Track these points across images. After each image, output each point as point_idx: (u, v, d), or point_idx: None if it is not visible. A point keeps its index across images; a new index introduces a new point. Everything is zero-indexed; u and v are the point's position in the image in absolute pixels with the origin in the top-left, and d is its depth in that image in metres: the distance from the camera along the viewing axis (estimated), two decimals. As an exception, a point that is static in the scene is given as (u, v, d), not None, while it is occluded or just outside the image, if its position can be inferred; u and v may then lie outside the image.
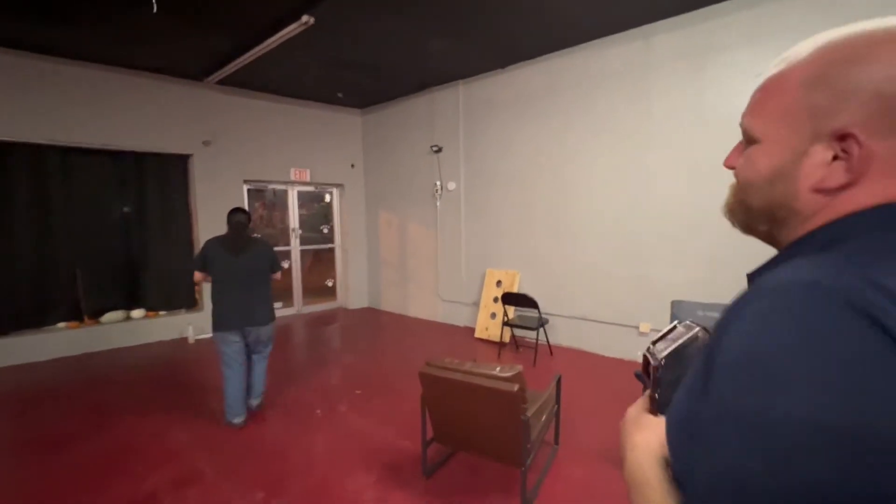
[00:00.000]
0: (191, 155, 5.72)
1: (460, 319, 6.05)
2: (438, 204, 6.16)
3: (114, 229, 5.38)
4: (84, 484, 2.51)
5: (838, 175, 0.44)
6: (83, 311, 5.21)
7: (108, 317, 5.33)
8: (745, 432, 0.35)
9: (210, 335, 5.53)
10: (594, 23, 4.06)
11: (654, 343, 0.62)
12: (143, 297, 5.59)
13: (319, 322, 6.53)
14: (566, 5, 3.69)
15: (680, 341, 0.59)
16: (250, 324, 3.16)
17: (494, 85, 5.39)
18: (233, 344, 3.14)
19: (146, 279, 5.59)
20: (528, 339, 5.02)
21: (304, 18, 3.73)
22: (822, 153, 0.44)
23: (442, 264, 6.22)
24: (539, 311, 4.49)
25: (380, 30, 4.17)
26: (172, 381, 4.21)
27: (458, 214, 5.96)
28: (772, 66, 0.50)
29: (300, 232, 6.99)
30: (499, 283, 5.47)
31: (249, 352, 3.29)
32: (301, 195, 6.98)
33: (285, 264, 6.75)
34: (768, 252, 0.53)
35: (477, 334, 5.49)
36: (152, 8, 2.64)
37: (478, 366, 2.26)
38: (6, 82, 4.50)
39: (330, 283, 7.51)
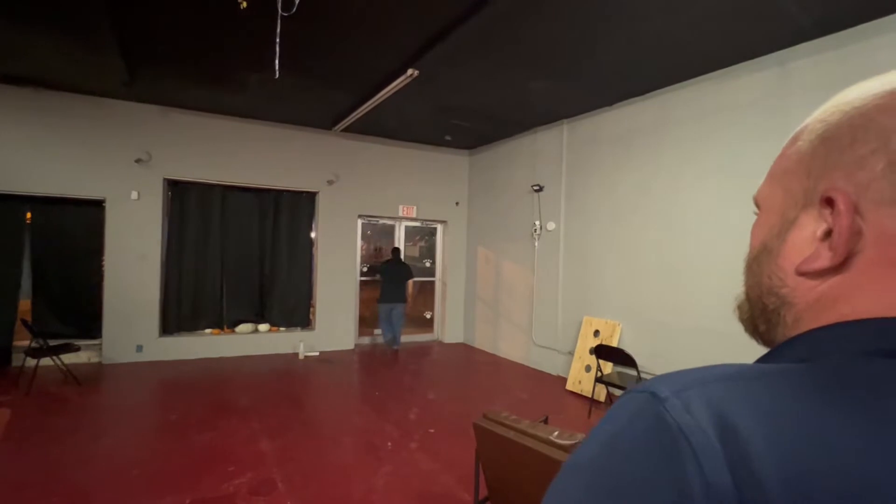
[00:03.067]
0: (318, 192, 6.55)
1: (553, 367, 5.66)
2: (537, 244, 5.99)
3: (252, 254, 6.37)
4: (187, 470, 2.91)
5: (823, 254, 0.32)
6: (224, 321, 6.20)
7: (242, 328, 6.24)
8: None
9: (317, 353, 6.15)
10: (717, 52, 3.65)
11: None
12: (268, 313, 6.44)
13: (413, 354, 6.71)
14: (685, 36, 3.40)
15: None
16: (393, 302, 6.30)
17: (600, 123, 5.15)
18: (384, 311, 6.32)
19: (273, 298, 6.45)
20: (626, 401, 4.45)
21: (410, 71, 4.08)
22: (812, 223, 0.34)
23: (537, 307, 5.96)
24: (638, 370, 3.97)
25: (480, 78, 4.34)
26: (276, 392, 4.70)
27: (556, 256, 5.70)
28: None
29: (404, 264, 7.40)
30: (597, 332, 5.02)
31: (393, 319, 6.36)
32: (408, 230, 7.44)
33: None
34: None
35: (568, 386, 5.06)
36: (274, 73, 3.18)
37: (534, 426, 2.06)
38: (188, 136, 5.78)
39: (428, 316, 7.74)
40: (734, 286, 0.42)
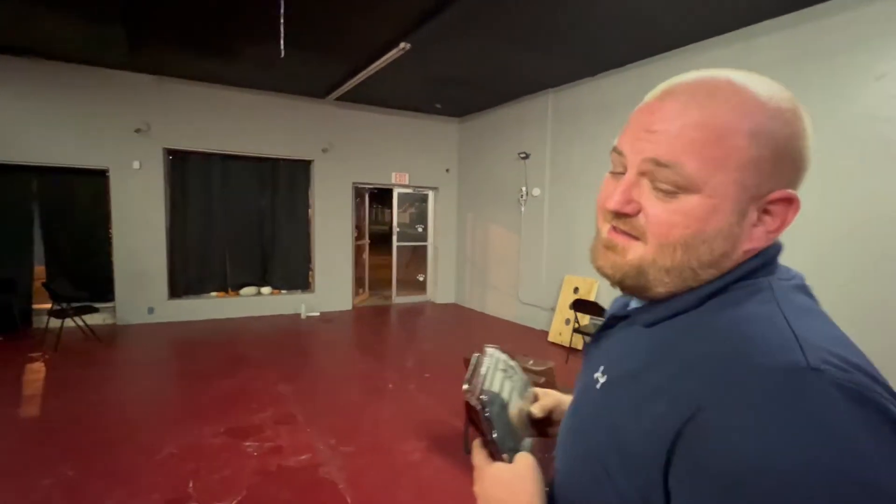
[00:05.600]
0: (312, 160, 6.78)
1: (537, 323, 6.18)
2: (523, 209, 6.36)
3: (252, 220, 6.65)
4: (216, 407, 3.36)
5: (765, 237, 0.45)
6: (228, 284, 6.56)
7: (245, 291, 6.62)
8: None
9: (317, 314, 6.51)
10: (689, 27, 3.93)
11: (466, 386, 0.58)
12: (270, 277, 6.81)
13: (408, 313, 7.19)
14: (658, 11, 3.66)
15: (486, 367, 0.60)
16: None
17: (583, 92, 5.42)
18: None
19: (273, 262, 6.80)
20: (600, 349, 4.99)
21: (402, 45, 4.28)
22: (753, 214, 0.44)
23: (523, 268, 6.41)
24: (610, 320, 4.46)
25: (469, 50, 4.56)
26: (284, 346, 5.14)
27: (541, 220, 6.09)
28: (683, 97, 0.49)
29: (398, 230, 7.75)
30: (576, 289, 5.50)
31: None
32: (401, 196, 7.75)
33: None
34: None
35: (550, 338, 5.59)
36: (280, 52, 3.39)
37: (514, 357, 2.51)
38: (186, 106, 5.92)
39: (421, 279, 8.17)
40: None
